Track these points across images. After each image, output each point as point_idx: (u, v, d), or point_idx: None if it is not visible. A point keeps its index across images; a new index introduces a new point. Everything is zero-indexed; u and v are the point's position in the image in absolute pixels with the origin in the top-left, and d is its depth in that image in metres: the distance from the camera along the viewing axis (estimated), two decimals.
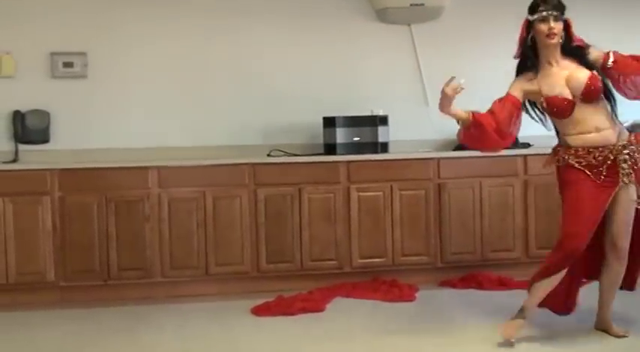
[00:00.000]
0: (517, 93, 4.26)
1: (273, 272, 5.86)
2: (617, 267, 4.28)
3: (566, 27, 4.20)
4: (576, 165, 4.16)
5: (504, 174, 6.07)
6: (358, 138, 6.12)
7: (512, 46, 4.33)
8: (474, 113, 4.20)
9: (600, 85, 4.17)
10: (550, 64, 4.22)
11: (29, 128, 5.99)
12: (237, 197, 5.82)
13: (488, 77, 5.75)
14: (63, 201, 5.63)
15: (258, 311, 5.22)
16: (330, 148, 6.10)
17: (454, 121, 4.30)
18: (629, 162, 4.16)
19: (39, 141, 6.03)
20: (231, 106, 6.33)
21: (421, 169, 6.05)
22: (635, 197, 4.18)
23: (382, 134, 6.15)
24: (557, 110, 4.17)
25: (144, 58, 6.24)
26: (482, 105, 4.27)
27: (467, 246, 6.05)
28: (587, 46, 4.25)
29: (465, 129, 4.25)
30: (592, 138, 4.16)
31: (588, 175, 4.14)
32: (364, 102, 6.32)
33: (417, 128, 6.50)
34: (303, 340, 4.56)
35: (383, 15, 6.53)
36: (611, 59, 4.18)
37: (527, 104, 4.34)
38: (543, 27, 4.14)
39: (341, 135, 6.07)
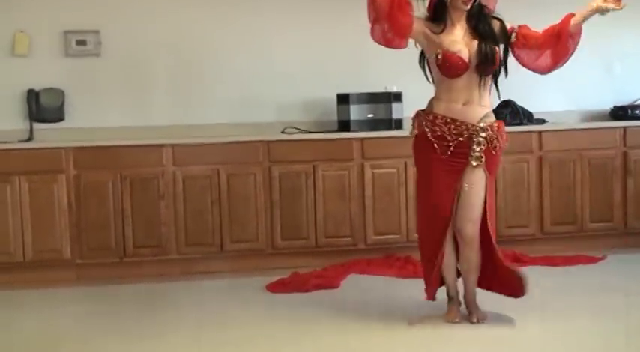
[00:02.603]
0: (417, 25, 4.11)
1: (287, 249, 5.88)
2: (467, 253, 4.19)
3: None
4: (429, 133, 4.10)
5: (519, 151, 6.00)
6: (372, 115, 6.10)
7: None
8: None
9: (499, 61, 4.10)
10: (454, 25, 4.11)
11: (44, 106, 6.01)
12: (252, 174, 5.83)
13: None
14: (78, 179, 5.65)
15: (272, 287, 5.24)
16: (344, 125, 6.09)
17: None
18: (482, 146, 4.06)
19: (54, 120, 6.05)
20: (245, 83, 6.32)
21: None
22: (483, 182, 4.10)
23: (396, 111, 6.12)
24: (450, 67, 4.06)
25: (157, 36, 6.23)
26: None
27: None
28: (492, 17, 4.17)
29: None
30: (456, 109, 4.10)
31: (435, 148, 4.08)
32: (378, 79, 6.29)
33: None
34: (318, 316, 4.57)
35: None
36: (516, 31, 4.14)
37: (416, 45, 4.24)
38: None
39: (355, 112, 6.06)
